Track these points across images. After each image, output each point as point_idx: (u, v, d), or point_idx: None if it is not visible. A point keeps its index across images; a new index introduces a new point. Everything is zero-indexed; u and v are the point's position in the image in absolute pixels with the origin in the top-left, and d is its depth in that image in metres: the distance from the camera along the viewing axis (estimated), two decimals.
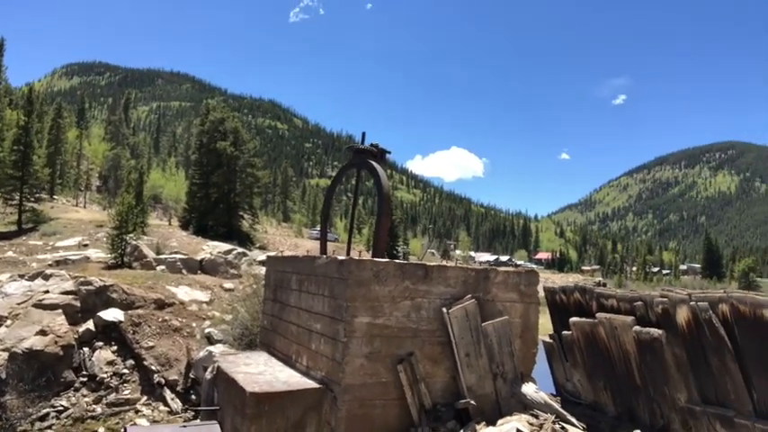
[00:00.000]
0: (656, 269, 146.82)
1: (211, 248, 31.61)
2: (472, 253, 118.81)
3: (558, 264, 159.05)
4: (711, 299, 5.16)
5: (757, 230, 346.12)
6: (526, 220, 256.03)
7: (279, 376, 6.19)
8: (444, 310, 6.08)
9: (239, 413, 5.56)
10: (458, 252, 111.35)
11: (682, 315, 5.33)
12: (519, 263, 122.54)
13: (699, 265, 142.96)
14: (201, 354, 16.51)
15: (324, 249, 7.99)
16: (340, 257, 6.08)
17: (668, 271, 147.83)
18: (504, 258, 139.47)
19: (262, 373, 6.26)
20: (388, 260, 6.00)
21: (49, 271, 21.04)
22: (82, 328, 18.02)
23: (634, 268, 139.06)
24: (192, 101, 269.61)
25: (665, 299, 5.49)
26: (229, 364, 6.71)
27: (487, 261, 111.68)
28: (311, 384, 5.92)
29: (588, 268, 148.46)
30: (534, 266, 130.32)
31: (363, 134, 7.84)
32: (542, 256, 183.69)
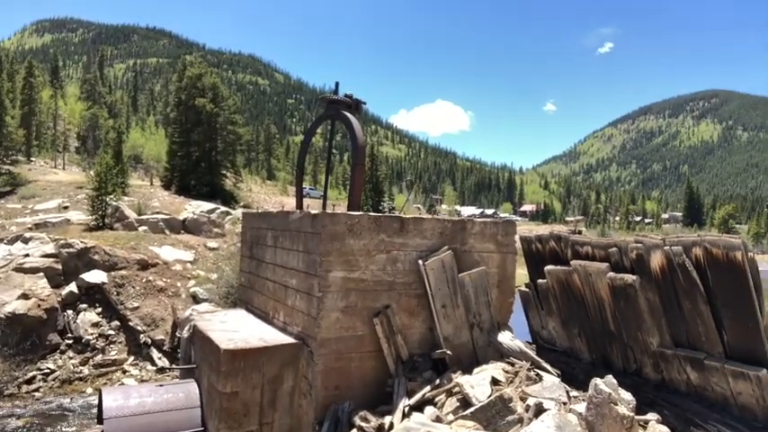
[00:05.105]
0: (638, 218, 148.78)
1: (194, 208, 31.26)
2: (458, 207, 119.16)
3: (543, 215, 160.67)
4: (685, 243, 5.15)
5: (738, 178, 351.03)
6: (511, 173, 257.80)
7: (255, 333, 6.16)
8: (420, 262, 6.03)
9: (215, 371, 5.55)
10: (444, 206, 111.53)
11: (656, 260, 5.33)
12: (503, 215, 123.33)
13: (681, 214, 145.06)
14: (187, 313, 16.48)
15: (299, 204, 7.86)
16: (313, 212, 5.98)
17: (650, 220, 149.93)
18: (489, 212, 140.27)
19: (238, 330, 6.23)
20: (362, 213, 5.90)
21: (28, 234, 20.70)
22: (65, 291, 17.88)
23: (617, 218, 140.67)
24: (170, 57, 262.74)
25: (639, 244, 5.48)
26: (206, 322, 6.67)
27: (473, 215, 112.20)
28: (287, 340, 5.90)
29: (572, 219, 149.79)
30: (519, 218, 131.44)
31: (337, 84, 7.58)
32: (527, 208, 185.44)
